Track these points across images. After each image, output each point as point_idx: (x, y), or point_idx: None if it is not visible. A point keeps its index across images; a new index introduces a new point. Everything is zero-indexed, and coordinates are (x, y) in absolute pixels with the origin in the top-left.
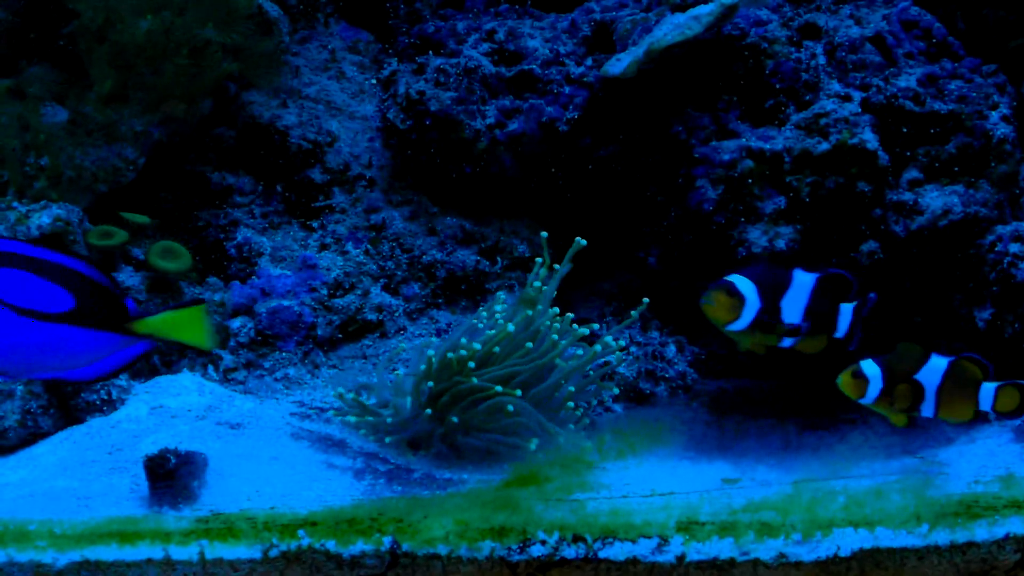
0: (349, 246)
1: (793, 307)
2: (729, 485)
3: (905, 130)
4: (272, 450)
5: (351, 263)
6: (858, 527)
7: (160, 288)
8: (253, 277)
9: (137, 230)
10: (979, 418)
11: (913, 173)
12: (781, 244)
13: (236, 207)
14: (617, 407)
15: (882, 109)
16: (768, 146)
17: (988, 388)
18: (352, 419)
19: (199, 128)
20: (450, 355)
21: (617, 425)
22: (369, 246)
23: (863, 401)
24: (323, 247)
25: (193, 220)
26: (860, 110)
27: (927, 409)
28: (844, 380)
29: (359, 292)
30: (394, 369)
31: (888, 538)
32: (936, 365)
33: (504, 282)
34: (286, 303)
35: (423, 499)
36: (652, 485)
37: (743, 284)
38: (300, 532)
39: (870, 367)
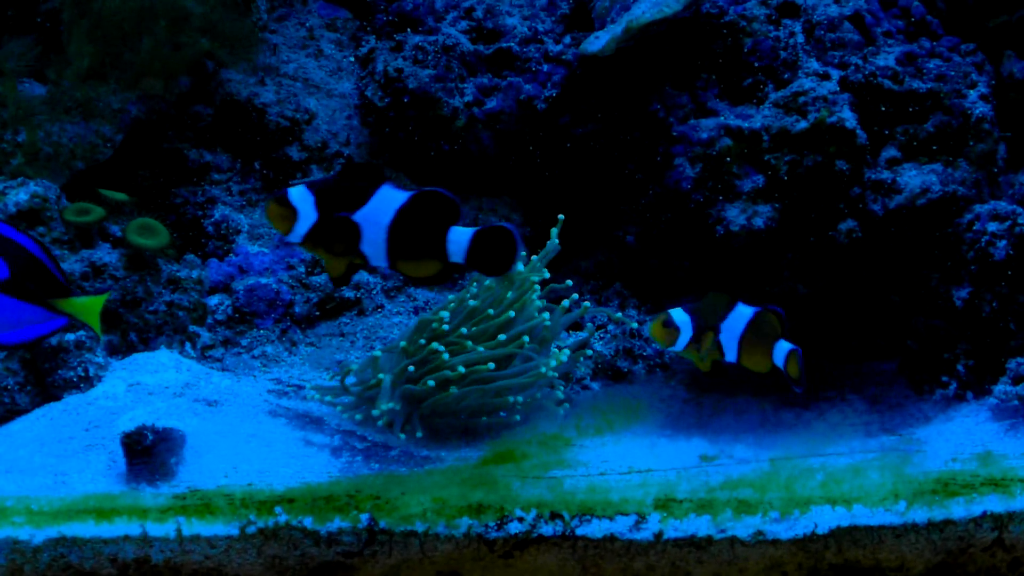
0: None
1: (372, 225)
2: (707, 463)
3: (883, 109)
4: (249, 427)
5: None
6: (836, 504)
7: (137, 265)
8: (230, 254)
9: (115, 207)
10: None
11: (891, 152)
12: (759, 222)
13: (214, 184)
14: (595, 385)
15: (860, 88)
16: (746, 124)
17: (782, 347)
18: (329, 397)
19: (177, 105)
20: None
21: (595, 403)
22: None
23: (672, 349)
24: None
25: (171, 197)
26: (838, 89)
27: (730, 354)
28: (654, 328)
29: None
30: (371, 347)
31: (866, 516)
32: (741, 313)
33: None
34: (263, 280)
35: (401, 476)
36: (630, 462)
37: (298, 195)
38: (277, 509)
39: (680, 315)
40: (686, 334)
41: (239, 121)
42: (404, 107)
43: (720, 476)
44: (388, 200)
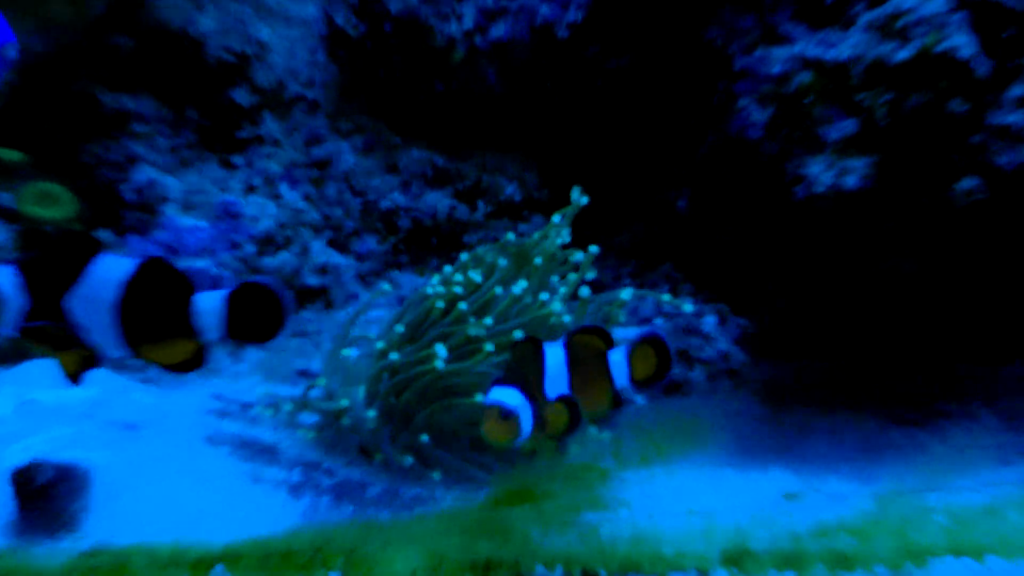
0: (283, 189)
1: (92, 306)
2: (790, 501)
3: (1009, 33)
4: (180, 459)
5: (286, 211)
6: (962, 555)
7: (34, 244)
8: (157, 229)
9: (7, 169)
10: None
11: (1020, 89)
12: (851, 181)
13: (135, 138)
14: (639, 398)
15: (979, 5)
16: (830, 54)
17: (617, 358)
18: (284, 418)
19: (89, 37)
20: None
21: (639, 422)
22: (310, 188)
23: (523, 439)
24: (249, 190)
25: (79, 155)
26: (951, 6)
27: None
28: (489, 429)
29: (296, 249)
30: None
31: (1003, 571)
32: (555, 354)
33: (488, 233)
34: (200, 263)
35: (382, 523)
36: (687, 502)
37: (2, 276)
38: (217, 569)
39: (505, 394)
40: (525, 412)
41: (169, 56)
42: (385, 37)
43: (809, 519)
44: (109, 271)
